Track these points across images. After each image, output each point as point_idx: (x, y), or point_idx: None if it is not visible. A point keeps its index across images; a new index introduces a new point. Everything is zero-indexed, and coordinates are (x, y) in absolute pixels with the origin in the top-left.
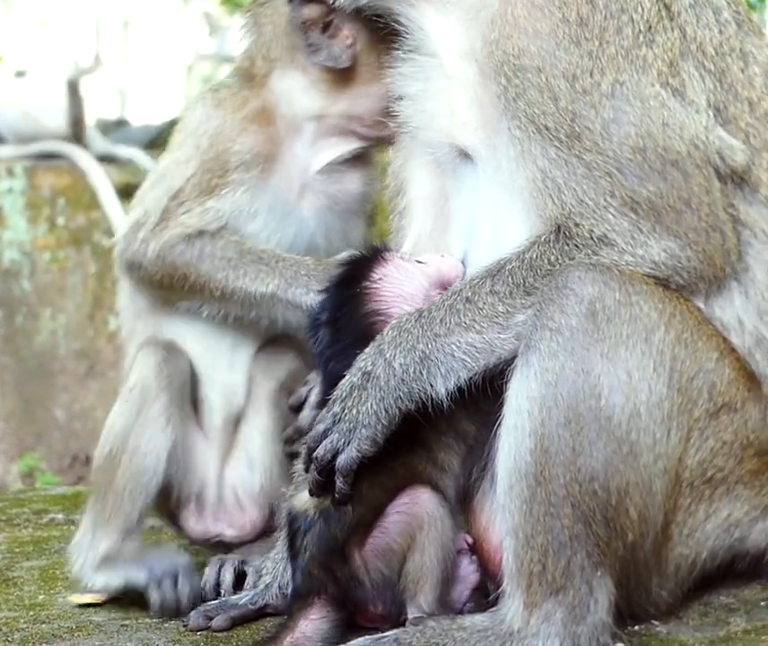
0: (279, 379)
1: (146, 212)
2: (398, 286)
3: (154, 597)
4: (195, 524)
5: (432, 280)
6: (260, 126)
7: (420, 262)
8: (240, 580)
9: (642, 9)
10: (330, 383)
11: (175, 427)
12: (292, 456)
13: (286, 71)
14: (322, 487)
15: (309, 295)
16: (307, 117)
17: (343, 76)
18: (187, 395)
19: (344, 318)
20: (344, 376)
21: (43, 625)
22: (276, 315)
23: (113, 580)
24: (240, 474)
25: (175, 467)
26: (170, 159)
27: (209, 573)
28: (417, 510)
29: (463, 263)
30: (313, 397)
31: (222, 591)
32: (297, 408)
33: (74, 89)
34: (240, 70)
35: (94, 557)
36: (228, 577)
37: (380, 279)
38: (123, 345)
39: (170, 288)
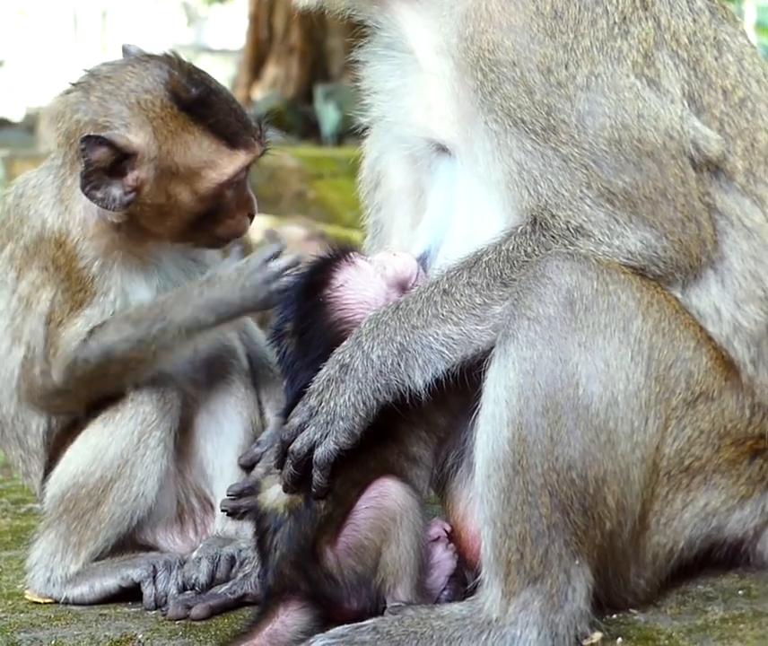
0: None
1: (28, 346)
2: (360, 292)
3: (149, 591)
4: (182, 542)
5: (390, 281)
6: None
7: (376, 263)
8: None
9: (617, 0)
10: (299, 394)
11: (168, 455)
12: (236, 512)
13: None
14: (298, 482)
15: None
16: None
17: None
18: (177, 422)
19: (311, 329)
20: (305, 389)
21: (22, 615)
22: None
23: (99, 585)
24: (203, 478)
25: (163, 492)
26: (26, 282)
27: (204, 565)
28: (388, 503)
29: (424, 258)
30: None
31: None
32: (249, 467)
33: None
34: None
35: (64, 575)
36: (224, 567)
37: (342, 286)
38: None
39: (95, 387)
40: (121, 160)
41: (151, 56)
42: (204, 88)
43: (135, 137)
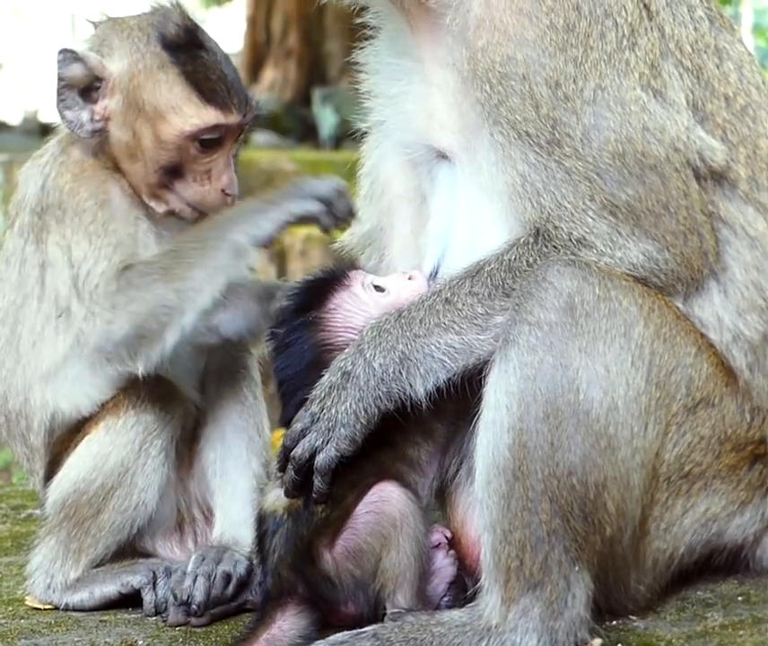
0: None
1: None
2: (349, 319)
3: (149, 598)
4: (180, 552)
5: (385, 308)
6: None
7: (380, 288)
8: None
9: (626, 11)
10: (289, 405)
11: (169, 464)
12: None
13: None
14: (299, 487)
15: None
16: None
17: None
18: (179, 431)
19: (293, 345)
20: (305, 398)
21: (22, 621)
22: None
23: (99, 592)
24: (205, 487)
25: (163, 501)
26: (52, 244)
27: (201, 583)
28: (388, 508)
29: (434, 274)
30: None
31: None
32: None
33: None
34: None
35: (64, 582)
36: (219, 585)
37: (333, 309)
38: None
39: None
40: (95, 87)
41: (163, 7)
42: (194, 39)
43: (111, 64)
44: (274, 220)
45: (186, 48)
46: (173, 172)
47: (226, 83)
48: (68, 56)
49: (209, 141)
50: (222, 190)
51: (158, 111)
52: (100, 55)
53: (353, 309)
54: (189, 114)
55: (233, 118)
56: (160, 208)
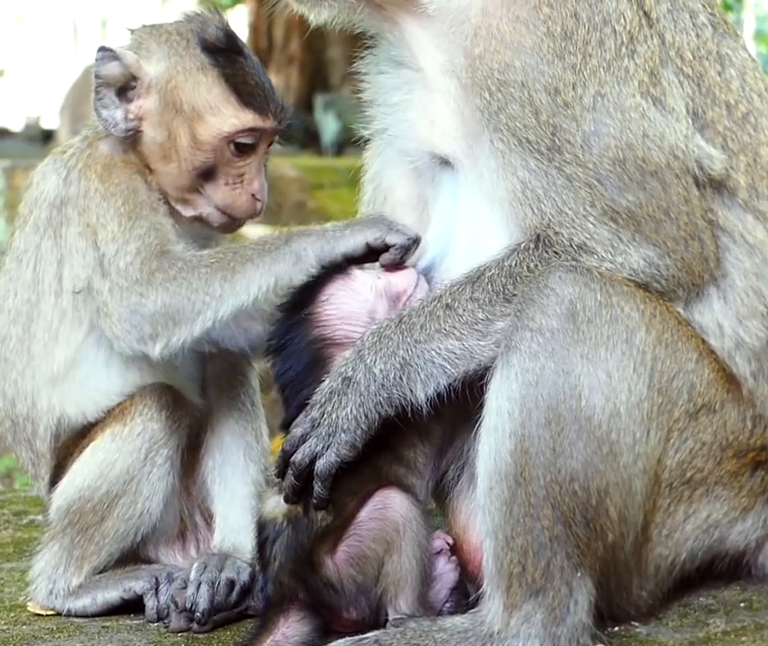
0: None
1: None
2: (341, 307)
3: (151, 604)
4: (182, 559)
5: (380, 293)
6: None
7: (372, 275)
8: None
9: (625, 19)
10: (292, 406)
11: (174, 473)
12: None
13: None
14: (299, 493)
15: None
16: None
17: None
18: (185, 439)
19: (291, 346)
20: (307, 401)
21: (24, 627)
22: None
23: (101, 597)
24: (207, 494)
25: (167, 509)
26: (73, 232)
27: (204, 590)
28: (391, 514)
29: (428, 271)
30: None
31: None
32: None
33: None
34: None
35: (66, 588)
36: (223, 592)
37: (325, 301)
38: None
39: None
40: (131, 87)
41: (202, 14)
42: (233, 44)
43: (148, 65)
44: (346, 243)
45: (225, 52)
46: (205, 175)
47: (263, 89)
48: (106, 54)
49: (244, 145)
50: (253, 195)
51: (196, 111)
52: (138, 57)
53: (347, 297)
54: (228, 115)
55: (270, 123)
56: (187, 212)
